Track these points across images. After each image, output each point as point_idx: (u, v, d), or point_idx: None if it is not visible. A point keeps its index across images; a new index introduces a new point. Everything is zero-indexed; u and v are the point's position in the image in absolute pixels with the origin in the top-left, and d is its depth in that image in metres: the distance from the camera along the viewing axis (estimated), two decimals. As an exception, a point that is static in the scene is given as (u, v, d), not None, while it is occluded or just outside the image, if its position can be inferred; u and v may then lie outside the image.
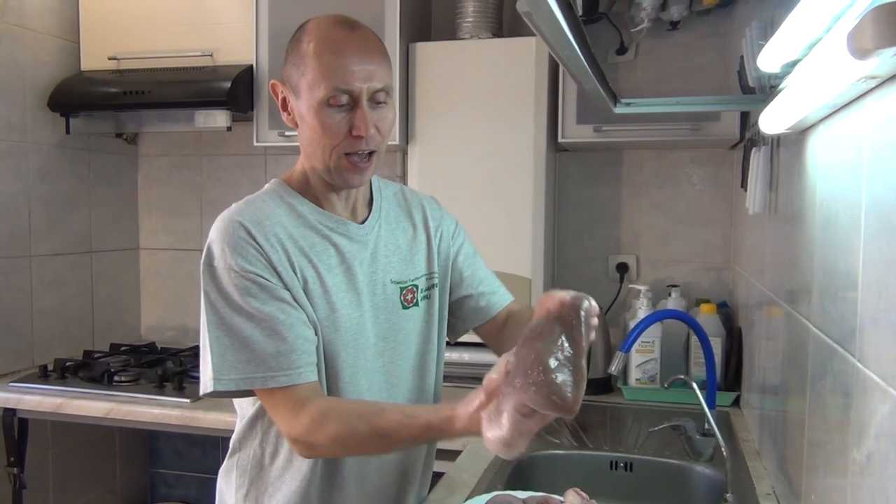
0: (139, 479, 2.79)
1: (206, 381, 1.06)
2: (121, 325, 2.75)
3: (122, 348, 2.51)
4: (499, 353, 1.29)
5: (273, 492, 1.16)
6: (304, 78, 1.08)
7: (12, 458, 2.16)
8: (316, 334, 1.09)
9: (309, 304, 1.09)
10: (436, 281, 1.26)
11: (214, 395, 1.06)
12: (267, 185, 1.19)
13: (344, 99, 1.07)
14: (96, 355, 2.40)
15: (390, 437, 1.01)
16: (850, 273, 0.87)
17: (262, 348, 1.03)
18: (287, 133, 2.23)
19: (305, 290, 1.09)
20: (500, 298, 1.31)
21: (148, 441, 2.81)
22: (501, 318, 1.30)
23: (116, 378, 2.15)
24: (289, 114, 1.14)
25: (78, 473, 2.49)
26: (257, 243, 1.07)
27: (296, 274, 1.09)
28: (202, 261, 1.08)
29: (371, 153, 1.11)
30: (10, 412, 2.12)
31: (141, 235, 2.82)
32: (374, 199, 1.24)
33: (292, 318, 1.06)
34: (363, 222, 1.20)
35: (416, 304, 1.22)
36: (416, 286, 1.22)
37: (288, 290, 1.07)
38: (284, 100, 1.14)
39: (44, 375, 2.21)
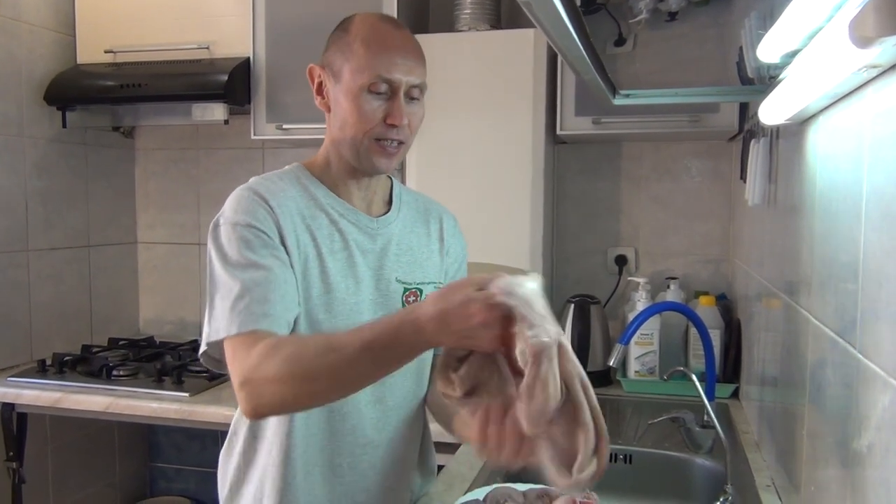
0: (138, 473, 2.79)
1: (212, 331, 1.04)
2: (119, 319, 2.75)
3: (121, 342, 2.50)
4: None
5: (262, 475, 1.15)
6: (347, 63, 1.11)
7: (11, 453, 2.16)
8: (299, 303, 1.08)
9: (303, 279, 1.10)
10: None
11: (210, 359, 1.08)
12: (287, 167, 1.21)
13: (384, 87, 1.11)
14: (95, 349, 2.39)
15: (339, 347, 0.89)
16: (850, 264, 0.87)
17: (251, 291, 1.02)
18: (285, 126, 2.22)
19: (304, 267, 1.10)
20: None
21: (147, 435, 2.81)
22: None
23: (115, 372, 2.15)
24: (323, 98, 1.17)
25: (77, 468, 2.49)
26: (269, 206, 1.10)
27: (299, 246, 1.11)
28: (212, 222, 1.11)
29: (400, 143, 1.14)
30: (9, 407, 2.12)
31: (138, 229, 2.82)
32: (394, 200, 1.26)
33: (286, 274, 1.06)
34: (378, 217, 1.21)
35: None
36: (421, 290, 1.22)
37: (288, 254, 1.09)
38: (321, 84, 1.17)
39: (42, 370, 2.21)
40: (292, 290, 1.07)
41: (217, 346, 1.04)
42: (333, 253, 1.14)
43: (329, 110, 1.17)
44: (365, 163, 1.15)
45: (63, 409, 2.05)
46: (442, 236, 1.29)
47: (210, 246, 1.09)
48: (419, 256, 1.24)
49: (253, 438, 1.16)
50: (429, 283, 1.24)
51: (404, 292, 1.20)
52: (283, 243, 1.09)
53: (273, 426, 1.13)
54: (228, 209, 1.11)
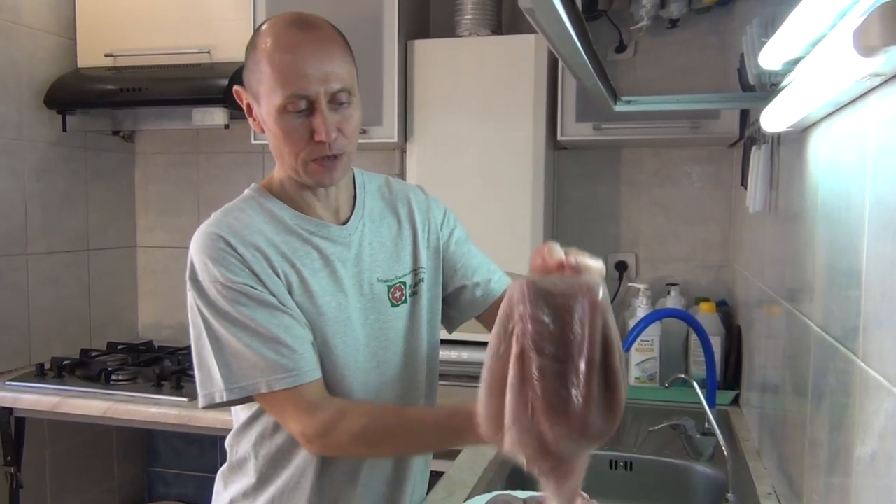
0: (137, 477, 2.78)
1: (212, 392, 1.05)
2: (118, 323, 2.74)
3: (120, 347, 2.50)
4: None
5: (264, 493, 1.15)
6: (261, 85, 1.05)
7: (9, 458, 2.15)
8: (310, 331, 1.09)
9: (297, 308, 1.08)
10: (422, 276, 1.23)
11: (221, 405, 1.06)
12: (245, 192, 1.17)
13: (302, 104, 1.03)
14: (93, 354, 2.39)
15: (413, 430, 1.04)
16: (853, 272, 0.87)
17: (265, 353, 1.03)
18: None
19: (290, 293, 1.08)
20: (497, 285, 1.28)
21: (146, 440, 2.80)
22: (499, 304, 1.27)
23: (114, 377, 2.14)
24: (254, 119, 1.11)
25: (75, 472, 2.48)
26: (238, 253, 1.05)
27: (280, 278, 1.08)
28: (187, 276, 1.08)
29: (339, 155, 1.08)
30: (7, 411, 2.11)
31: (138, 233, 2.81)
32: (358, 195, 1.21)
33: (285, 320, 1.05)
34: (346, 222, 1.17)
35: (405, 301, 1.20)
36: (404, 283, 1.20)
37: (274, 296, 1.06)
38: (248, 105, 1.11)
39: (41, 374, 2.20)
40: (299, 328, 1.06)
41: (237, 401, 1.06)
42: (315, 272, 1.11)
43: (262, 131, 1.11)
44: (309, 182, 1.10)
45: (61, 413, 2.04)
46: (412, 218, 1.24)
47: (196, 300, 1.06)
48: (395, 249, 1.21)
49: (257, 459, 1.16)
50: (408, 273, 1.21)
51: (389, 290, 1.18)
52: (265, 286, 1.05)
53: (301, 459, 1.14)
54: (199, 262, 1.06)
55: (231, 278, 1.04)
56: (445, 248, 1.27)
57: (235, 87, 1.13)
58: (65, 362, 2.23)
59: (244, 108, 1.12)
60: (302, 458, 1.13)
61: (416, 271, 1.23)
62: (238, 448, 1.18)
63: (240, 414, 1.17)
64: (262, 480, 1.15)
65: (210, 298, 1.05)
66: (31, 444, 2.25)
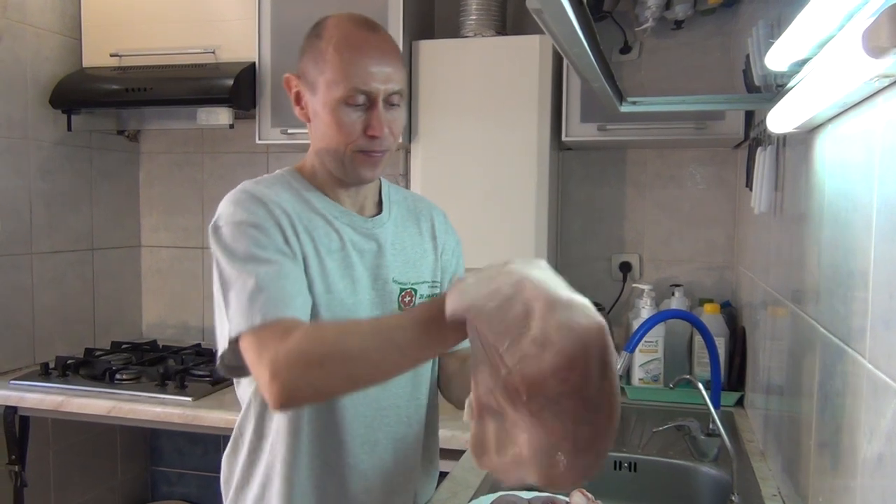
0: (140, 476, 2.78)
1: (223, 341, 1.04)
2: (122, 322, 2.74)
3: (124, 346, 2.50)
4: (444, 394, 1.28)
5: (264, 479, 1.15)
6: (322, 75, 1.09)
7: (13, 456, 2.15)
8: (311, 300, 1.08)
9: (306, 277, 1.09)
10: (437, 290, 1.26)
11: (229, 368, 1.05)
12: (278, 171, 1.20)
13: (361, 99, 1.08)
14: (98, 353, 2.39)
15: (352, 330, 0.93)
16: (859, 273, 0.87)
17: (268, 286, 1.00)
18: (290, 131, 2.22)
19: (305, 265, 1.09)
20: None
21: (149, 439, 2.80)
22: (460, 356, 1.23)
23: (118, 376, 2.15)
24: (302, 108, 1.15)
25: (79, 471, 2.48)
26: (266, 206, 1.08)
27: (300, 244, 1.09)
28: (210, 226, 1.09)
29: (384, 151, 1.13)
30: (12, 410, 2.12)
31: (142, 233, 2.82)
32: (384, 200, 1.25)
33: (297, 269, 1.06)
34: (372, 217, 1.20)
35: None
36: (416, 290, 1.21)
37: (291, 250, 1.07)
38: (298, 94, 1.15)
39: (45, 373, 2.20)
40: (304, 284, 1.07)
41: (236, 347, 1.01)
42: (331, 252, 1.13)
43: (309, 121, 1.15)
44: (350, 174, 1.14)
45: (65, 412, 2.05)
46: (434, 234, 1.28)
47: (214, 247, 1.08)
48: (413, 256, 1.23)
49: (258, 439, 1.16)
50: (423, 283, 1.23)
51: (400, 293, 1.19)
52: (284, 238, 1.08)
53: (279, 426, 1.13)
54: (225, 211, 1.09)
55: (253, 220, 1.06)
56: (445, 275, 1.29)
57: (287, 75, 1.16)
58: (69, 361, 2.24)
59: (292, 95, 1.15)
60: (310, 447, 1.13)
61: (433, 284, 1.25)
62: (242, 431, 1.18)
63: (244, 396, 1.18)
64: (261, 467, 1.15)
65: (226, 241, 1.05)
66: (35, 442, 2.25)
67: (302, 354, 0.91)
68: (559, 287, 0.72)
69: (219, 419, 1.91)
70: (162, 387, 2.08)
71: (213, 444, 2.69)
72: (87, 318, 2.59)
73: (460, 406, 0.92)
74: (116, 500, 2.66)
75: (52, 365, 2.24)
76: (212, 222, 1.10)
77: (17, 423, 2.15)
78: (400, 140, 1.16)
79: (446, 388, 1.28)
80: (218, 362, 1.09)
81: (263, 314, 0.98)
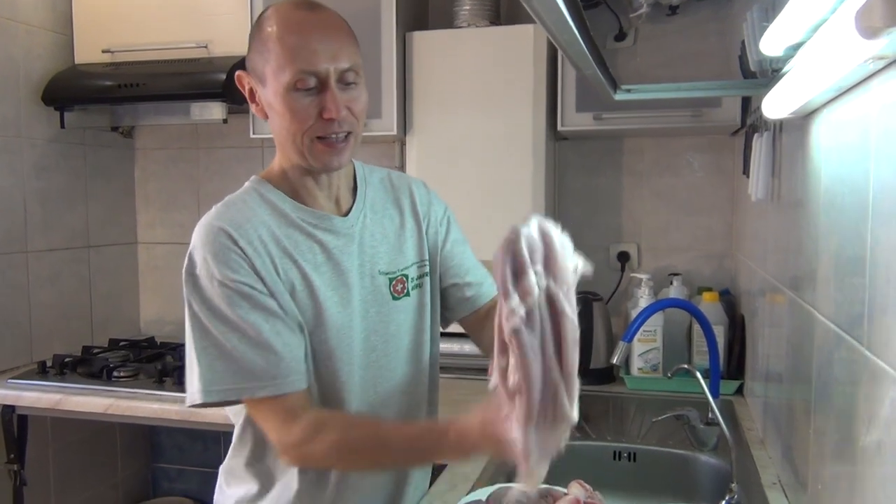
0: (140, 473, 2.78)
1: (194, 392, 1.04)
2: (120, 319, 2.74)
3: (122, 343, 2.49)
4: (479, 346, 1.31)
5: (266, 497, 1.15)
6: (268, 65, 1.04)
7: (12, 455, 2.15)
8: (304, 338, 1.08)
9: (296, 308, 1.07)
10: (427, 269, 1.23)
11: (203, 406, 1.04)
12: (246, 184, 1.16)
13: (311, 82, 1.03)
14: (95, 350, 2.38)
15: (387, 444, 1.02)
16: (857, 259, 0.86)
17: (250, 358, 1.01)
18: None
19: (292, 294, 1.07)
20: (487, 290, 1.29)
21: (149, 436, 2.80)
22: (484, 310, 1.27)
23: (115, 373, 2.14)
24: (257, 104, 1.10)
25: (79, 469, 2.48)
26: (240, 248, 1.04)
27: (280, 278, 1.06)
28: (184, 269, 1.06)
29: (347, 134, 1.08)
30: (10, 409, 2.11)
31: (139, 229, 2.81)
32: (359, 186, 1.20)
33: (278, 326, 1.04)
34: (347, 213, 1.16)
35: (408, 294, 1.19)
36: (406, 276, 1.19)
37: (273, 296, 1.05)
38: (251, 90, 1.10)
39: (42, 371, 2.20)
40: (291, 336, 1.05)
41: (221, 403, 1.05)
42: (317, 267, 1.10)
43: (266, 116, 1.10)
44: (315, 163, 1.08)
45: (63, 410, 2.04)
46: (416, 210, 1.24)
47: (190, 295, 1.04)
48: (397, 242, 1.20)
49: (260, 463, 1.16)
50: (411, 265, 1.20)
51: (390, 283, 1.18)
52: (265, 285, 1.04)
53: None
54: (199, 257, 1.05)
55: (230, 276, 1.03)
56: (442, 246, 1.27)
57: (238, 72, 1.12)
58: (66, 359, 2.23)
59: (246, 93, 1.11)
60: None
61: (420, 263, 1.22)
62: (239, 451, 1.17)
63: (238, 415, 1.16)
64: (265, 486, 1.15)
65: (205, 296, 1.03)
66: (34, 441, 2.25)
67: (304, 453, 1.05)
68: None
69: (217, 415, 1.89)
70: (160, 384, 2.08)
71: (213, 440, 2.69)
72: (84, 316, 2.58)
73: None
74: (118, 498, 2.66)
75: (49, 363, 2.23)
76: (185, 264, 1.06)
77: (16, 422, 2.15)
78: (363, 122, 1.11)
79: (479, 336, 1.30)
80: (188, 403, 1.06)
81: (258, 388, 1.02)
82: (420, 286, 1.22)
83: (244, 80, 1.11)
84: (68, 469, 2.44)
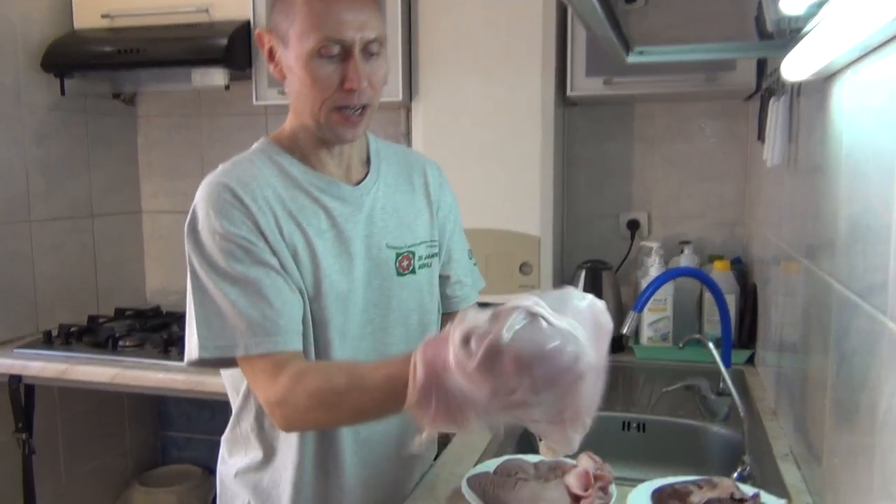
0: (149, 441, 2.79)
1: (192, 348, 1.02)
2: (125, 289, 2.72)
3: (127, 313, 2.49)
4: None
5: (269, 466, 1.13)
6: (292, 27, 1.02)
7: (20, 424, 2.15)
8: (303, 301, 1.05)
9: (297, 270, 1.05)
10: (436, 250, 1.22)
11: (200, 364, 1.02)
12: (255, 145, 1.14)
13: (335, 49, 1.01)
14: (101, 320, 2.38)
15: (365, 384, 0.92)
16: (880, 226, 0.82)
17: (248, 313, 0.99)
18: (287, 91, 2.16)
19: (294, 257, 1.05)
20: (470, 293, 1.29)
21: (157, 405, 2.81)
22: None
23: (121, 343, 2.13)
24: (276, 65, 1.08)
25: (87, 438, 2.49)
26: (244, 205, 1.02)
27: (284, 239, 1.04)
28: (186, 224, 1.04)
29: (364, 107, 1.06)
30: (16, 378, 2.11)
31: (142, 198, 2.78)
32: (372, 159, 1.18)
33: (279, 282, 1.02)
34: (358, 183, 1.14)
35: (413, 272, 1.17)
36: (413, 253, 1.17)
37: (275, 254, 1.03)
38: (271, 50, 1.08)
39: (48, 341, 2.19)
40: (290, 295, 1.03)
41: (218, 361, 1.02)
42: (321, 233, 1.08)
43: (284, 78, 1.07)
44: (328, 134, 1.07)
45: (69, 380, 2.04)
46: (428, 191, 1.22)
47: (191, 251, 1.02)
48: (407, 217, 1.18)
49: (261, 429, 1.13)
50: (420, 244, 1.18)
51: (397, 258, 1.15)
52: (267, 242, 1.02)
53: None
54: (202, 211, 1.02)
55: (232, 231, 1.00)
56: (445, 235, 1.25)
57: (258, 30, 1.10)
58: (72, 329, 2.22)
59: (265, 52, 1.09)
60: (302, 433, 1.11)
61: (431, 243, 1.21)
62: (241, 419, 1.16)
63: (240, 383, 1.14)
64: (268, 454, 1.13)
65: (205, 250, 1.01)
66: (42, 410, 2.25)
67: (288, 404, 0.98)
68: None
69: (222, 385, 1.88)
70: (165, 353, 2.07)
71: (219, 408, 2.68)
72: (89, 286, 2.57)
73: None
74: (127, 465, 2.67)
75: (55, 333, 2.22)
76: (188, 220, 1.04)
77: (23, 392, 2.15)
78: (381, 94, 1.09)
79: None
80: (186, 363, 1.04)
81: (247, 345, 0.98)
82: (429, 266, 1.20)
83: (264, 39, 1.09)
84: (77, 438, 2.44)
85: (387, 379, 0.87)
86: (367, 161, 1.18)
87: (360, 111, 1.06)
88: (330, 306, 1.07)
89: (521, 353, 0.69)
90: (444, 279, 1.26)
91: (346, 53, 1.02)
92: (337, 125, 1.05)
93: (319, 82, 1.02)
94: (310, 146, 1.11)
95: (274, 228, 1.03)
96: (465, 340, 0.72)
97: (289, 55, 1.04)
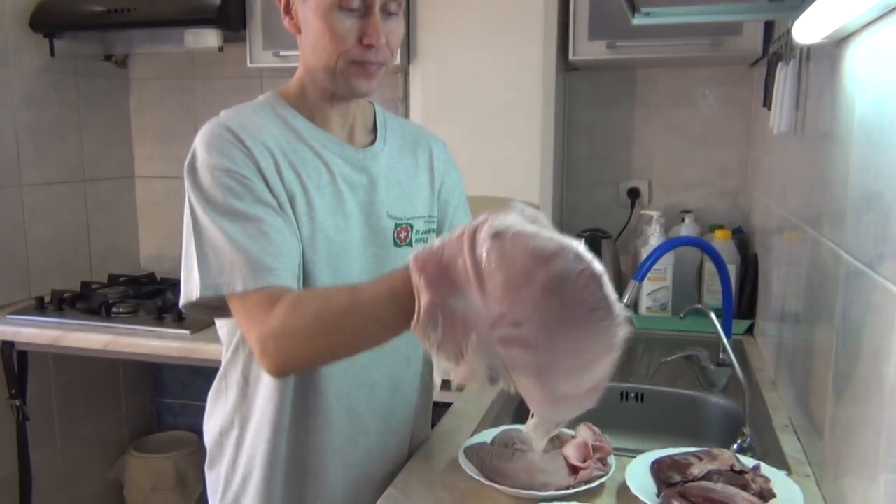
0: (145, 408, 2.79)
1: (190, 290, 0.99)
2: (119, 255, 2.70)
3: (121, 279, 2.46)
4: None
5: (254, 418, 1.10)
6: None
7: (13, 391, 2.14)
8: (301, 246, 1.02)
9: (294, 218, 1.02)
10: (434, 226, 1.20)
11: (196, 308, 1.00)
12: (260, 97, 1.11)
13: (356, 3, 1.00)
14: (94, 286, 2.35)
15: (366, 301, 0.86)
16: (893, 196, 0.79)
17: (246, 248, 0.95)
18: (283, 53, 2.12)
19: (292, 204, 1.02)
20: None
21: (152, 371, 2.80)
22: None
23: (115, 309, 2.11)
24: (291, 17, 1.06)
25: (83, 404, 2.48)
26: (245, 146, 1.00)
27: (283, 185, 1.02)
28: (185, 165, 1.01)
29: (379, 66, 1.04)
30: (9, 344, 2.09)
31: (136, 163, 2.74)
32: (379, 128, 1.16)
33: (279, 221, 0.99)
34: (363, 148, 1.12)
35: (410, 244, 1.15)
36: (412, 226, 1.15)
37: (275, 196, 1.01)
38: (288, 3, 1.05)
39: (41, 307, 2.17)
40: (290, 236, 1.00)
41: (212, 298, 0.97)
42: (320, 188, 1.05)
43: (299, 32, 1.05)
44: (343, 86, 1.04)
45: (62, 346, 2.01)
46: (431, 165, 1.21)
47: (189, 190, 1.00)
48: (408, 189, 1.16)
49: (245, 383, 1.10)
50: (418, 218, 1.16)
51: (395, 228, 1.13)
52: (266, 184, 1.00)
53: (268, 377, 1.07)
54: (201, 149, 1.00)
55: (231, 167, 0.98)
56: (449, 212, 1.23)
57: None
58: (65, 295, 2.20)
59: (281, 4, 1.06)
60: (302, 389, 1.08)
61: (429, 219, 1.19)
62: (228, 372, 1.13)
63: (230, 337, 1.12)
64: (248, 411, 1.11)
65: (204, 187, 0.98)
66: (36, 376, 2.24)
67: (285, 332, 0.91)
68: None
69: (217, 352, 1.83)
70: (159, 320, 2.05)
71: (215, 375, 2.66)
72: (82, 252, 2.54)
73: None
74: (122, 432, 2.67)
75: (47, 299, 2.20)
76: (188, 160, 1.01)
77: (16, 358, 2.13)
78: (398, 56, 1.07)
79: None
80: (182, 306, 1.01)
81: (245, 280, 0.94)
82: (424, 241, 1.17)
83: None
84: (72, 404, 2.43)
85: (390, 292, 0.82)
86: (374, 130, 1.16)
87: (376, 66, 1.04)
88: (321, 261, 1.05)
89: (539, 247, 0.67)
90: None
91: (366, 9, 1.01)
92: (352, 76, 1.03)
93: (338, 35, 1.00)
94: (317, 102, 1.09)
95: (274, 172, 1.01)
96: (486, 237, 0.69)
97: (307, 7, 1.02)
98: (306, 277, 1.04)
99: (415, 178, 1.18)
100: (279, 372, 0.96)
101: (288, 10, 1.06)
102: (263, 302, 0.94)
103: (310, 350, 0.93)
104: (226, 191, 0.97)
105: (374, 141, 1.15)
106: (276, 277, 0.96)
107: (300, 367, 1.02)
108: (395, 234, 1.13)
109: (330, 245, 1.05)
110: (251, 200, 0.98)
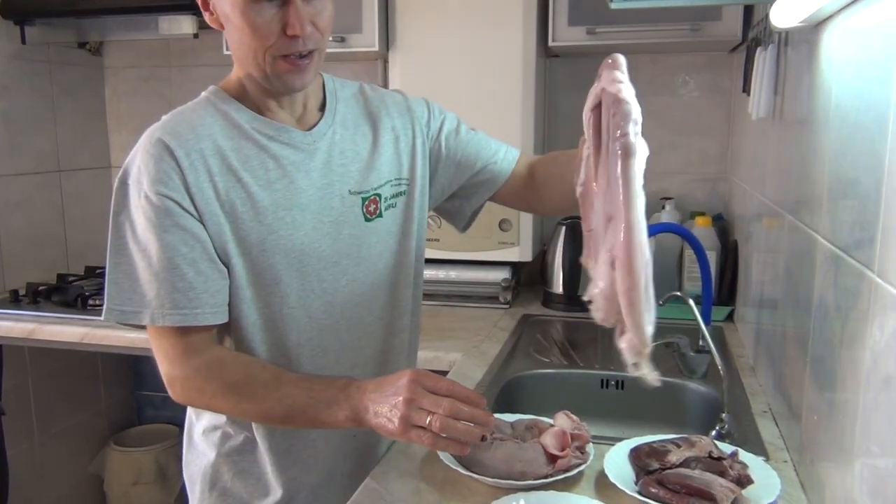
0: (125, 401, 2.76)
1: (102, 307, 0.99)
2: (97, 247, 2.64)
3: (98, 271, 2.42)
4: (536, 206, 1.31)
5: (233, 425, 1.12)
6: None
7: (-12, 384, 2.11)
8: (225, 271, 1.01)
9: (235, 232, 1.00)
10: (404, 188, 1.15)
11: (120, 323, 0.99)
12: (202, 93, 1.07)
13: None
14: (70, 279, 2.31)
15: (283, 387, 0.97)
16: (870, 180, 0.79)
17: (158, 282, 0.95)
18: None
19: (233, 216, 1.00)
20: (504, 164, 1.23)
21: (132, 364, 2.77)
22: (520, 173, 1.23)
23: (91, 302, 2.08)
24: (211, 13, 0.99)
25: (61, 397, 2.45)
26: (175, 160, 0.97)
27: (218, 197, 0.99)
28: (118, 177, 0.99)
29: (311, 52, 0.99)
30: (-17, 338, 2.06)
31: (112, 153, 2.70)
32: (328, 102, 1.11)
33: (196, 252, 0.97)
34: (311, 128, 1.08)
35: (380, 216, 1.12)
36: (380, 195, 1.11)
37: (200, 219, 0.98)
38: None
39: (15, 300, 2.13)
40: (212, 265, 0.98)
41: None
42: (269, 185, 1.02)
43: (222, 27, 0.99)
44: (276, 84, 1.00)
45: (38, 340, 1.98)
46: (393, 124, 1.15)
47: (117, 208, 0.98)
48: (369, 159, 1.11)
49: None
50: (384, 184, 1.12)
51: (363, 202, 1.10)
52: (194, 203, 0.97)
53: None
54: (135, 167, 0.98)
55: (159, 189, 0.95)
56: (438, 148, 1.19)
57: None
58: (40, 288, 2.17)
59: (199, 1, 1.00)
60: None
61: (397, 182, 1.14)
62: None
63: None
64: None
65: (130, 208, 0.97)
66: (12, 370, 2.21)
67: (195, 387, 0.99)
68: None
69: (196, 344, 1.85)
70: (137, 312, 2.02)
71: (196, 367, 2.65)
72: (58, 243, 2.50)
73: (555, 212, 1.27)
74: (102, 425, 2.64)
75: (22, 292, 2.16)
76: (120, 172, 0.99)
77: (-10, 352, 2.10)
78: (329, 37, 1.02)
79: (530, 191, 1.24)
80: (105, 315, 1.00)
81: (151, 316, 0.96)
82: (394, 206, 1.14)
83: None
84: (49, 398, 2.40)
85: (325, 385, 0.99)
86: (324, 105, 1.11)
87: (307, 56, 0.98)
88: (280, 263, 1.03)
89: None
90: (474, 175, 1.21)
91: None
92: (283, 73, 0.98)
93: (259, 30, 0.94)
94: (259, 97, 1.05)
95: (206, 187, 0.98)
96: None
97: (223, 2, 0.96)
98: (269, 280, 1.03)
99: (375, 145, 1.13)
100: (181, 403, 1.05)
101: (206, 6, 1.00)
102: (177, 344, 0.97)
103: (216, 408, 1.05)
104: (146, 215, 0.96)
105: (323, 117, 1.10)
106: (185, 317, 0.95)
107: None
108: (364, 209, 1.10)
109: (285, 243, 1.03)
110: (169, 225, 0.96)
